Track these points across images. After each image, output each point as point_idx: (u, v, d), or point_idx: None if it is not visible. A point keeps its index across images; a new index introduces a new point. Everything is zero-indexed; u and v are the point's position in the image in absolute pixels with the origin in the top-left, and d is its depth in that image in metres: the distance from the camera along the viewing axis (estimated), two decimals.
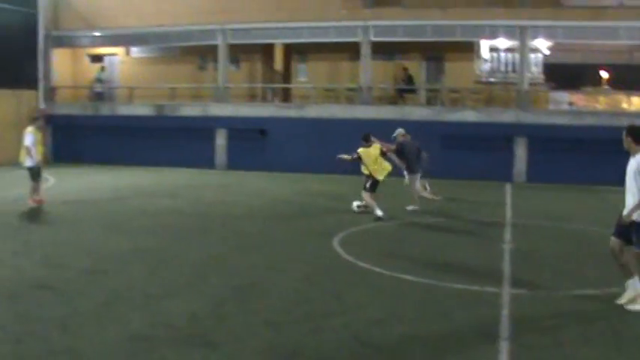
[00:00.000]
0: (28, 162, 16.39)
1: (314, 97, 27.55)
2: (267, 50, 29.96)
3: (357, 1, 27.12)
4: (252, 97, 30.14)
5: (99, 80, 30.90)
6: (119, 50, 31.97)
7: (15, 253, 11.75)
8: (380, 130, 24.76)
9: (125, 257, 11.42)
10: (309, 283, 9.91)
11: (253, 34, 27.87)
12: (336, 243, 12.70)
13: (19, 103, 28.49)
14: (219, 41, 28.09)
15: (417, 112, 25.64)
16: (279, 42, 29.50)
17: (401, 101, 27.16)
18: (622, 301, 8.79)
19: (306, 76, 29.59)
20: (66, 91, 31.52)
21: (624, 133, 8.77)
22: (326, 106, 26.93)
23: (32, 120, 17.21)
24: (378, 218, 15.58)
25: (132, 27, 29.37)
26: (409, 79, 27.13)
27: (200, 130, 27.41)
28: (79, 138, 29.05)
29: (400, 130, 18.01)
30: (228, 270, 10.73)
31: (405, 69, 27.18)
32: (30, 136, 16.31)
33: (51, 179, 22.47)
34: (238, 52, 29.15)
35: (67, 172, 24.85)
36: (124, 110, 29.22)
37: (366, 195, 16.28)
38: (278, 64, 30.62)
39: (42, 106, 29.72)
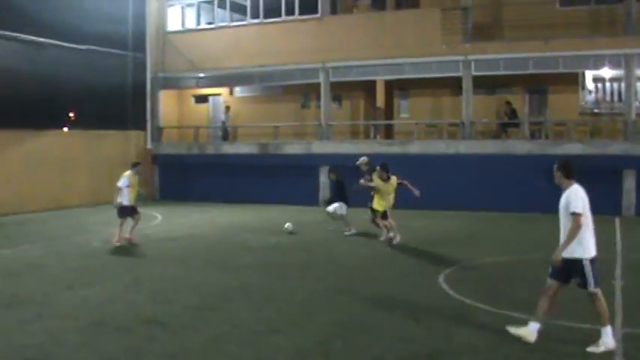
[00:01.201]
0: (120, 201, 17.97)
1: (416, 133, 28.32)
2: (368, 87, 31.09)
3: (457, 36, 27.69)
4: (354, 134, 31.30)
5: (223, 121, 32.54)
6: (223, 90, 33.87)
7: (126, 288, 12.65)
8: (482, 164, 25.68)
9: (231, 294, 12.04)
10: (416, 321, 10.06)
11: (355, 71, 29.05)
12: (442, 280, 12.93)
13: (127, 143, 31.10)
14: (321, 79, 29.40)
15: (520, 146, 26.07)
16: (380, 78, 30.49)
17: (504, 135, 27.53)
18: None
19: (407, 112, 30.47)
20: (172, 130, 33.75)
21: (555, 167, 8.96)
22: (428, 141, 27.70)
23: (133, 165, 18.57)
24: (390, 241, 17.21)
25: (236, 67, 31.17)
26: (512, 113, 27.53)
27: (303, 168, 28.53)
28: (184, 176, 30.88)
29: (364, 159, 19.05)
30: (333, 306, 11.11)
31: (508, 102, 27.66)
32: (126, 179, 17.82)
33: (158, 216, 24.23)
34: (340, 90, 30.46)
35: (173, 210, 26.53)
36: (229, 149, 30.90)
37: (384, 221, 17.79)
38: (380, 100, 31.54)
39: (149, 145, 32.09)
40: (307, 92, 31.74)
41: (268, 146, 30.26)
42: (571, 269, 8.76)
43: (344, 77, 29.49)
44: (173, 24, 33.75)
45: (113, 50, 30.83)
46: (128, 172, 18.18)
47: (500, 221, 23.31)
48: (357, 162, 19.14)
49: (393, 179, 17.66)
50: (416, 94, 30.42)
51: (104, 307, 11.23)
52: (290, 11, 30.42)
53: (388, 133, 30.99)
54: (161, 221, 23.44)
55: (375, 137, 30.25)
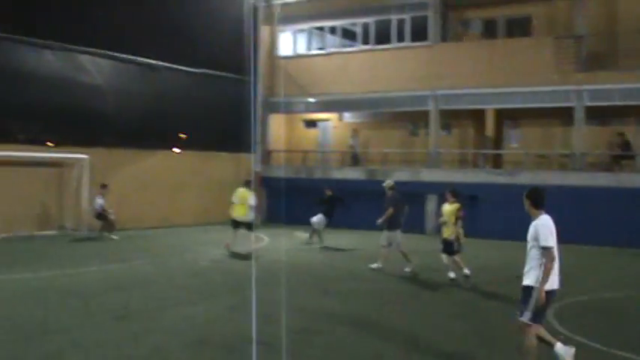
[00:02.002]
0: (249, 217, 21.17)
1: (525, 163, 28.33)
2: (478, 115, 31.12)
3: (569, 65, 27.72)
4: (463, 162, 31.46)
5: (352, 145, 32.97)
6: (332, 116, 34.90)
7: (231, 307, 13.25)
8: (593, 197, 25.50)
9: (336, 318, 12.41)
10: (521, 354, 9.62)
11: (464, 99, 29.54)
12: (550, 315, 12.38)
13: (237, 165, 32.04)
14: (430, 107, 30.04)
15: (635, 179, 25.83)
16: (490, 107, 30.53)
17: (617, 168, 27.20)
18: None
19: (517, 141, 30.53)
20: (281, 154, 34.64)
21: (524, 196, 9.10)
22: (538, 172, 27.47)
23: (246, 183, 22.01)
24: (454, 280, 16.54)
25: (345, 93, 32.12)
26: (625, 145, 27.18)
27: (411, 195, 27.24)
28: (292, 200, 30.84)
29: (389, 182, 19.08)
30: (439, 337, 11.31)
31: (621, 134, 27.28)
32: (253, 197, 21.27)
33: (265, 238, 24.93)
34: (449, 118, 30.79)
35: (280, 233, 26.86)
36: (337, 174, 31.58)
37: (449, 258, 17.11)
38: (489, 129, 31.47)
39: (258, 168, 33.20)
40: (416, 119, 32.16)
41: (376, 172, 30.68)
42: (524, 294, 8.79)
43: (453, 105, 29.98)
44: (284, 49, 35.07)
45: (225, 74, 32.22)
46: (242, 189, 21.14)
47: (611, 256, 23.12)
48: (383, 184, 19.19)
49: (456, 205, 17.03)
50: (526, 123, 30.42)
51: (209, 325, 11.87)
52: (400, 38, 31.24)
53: (497, 162, 31.03)
54: (268, 243, 24.19)
55: (483, 166, 30.39)
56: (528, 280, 8.75)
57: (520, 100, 28.69)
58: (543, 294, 8.55)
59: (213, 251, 21.59)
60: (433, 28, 30.64)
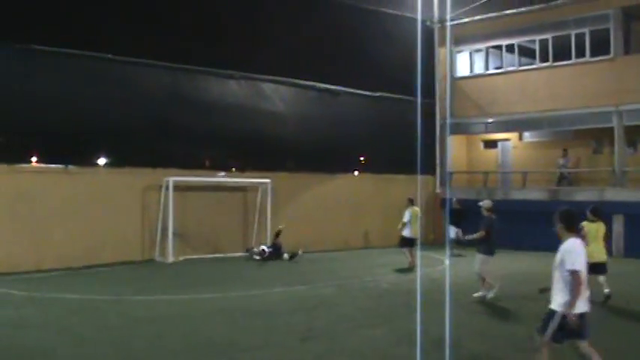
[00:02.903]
0: (405, 232, 23.29)
1: None
2: None
3: None
4: None
5: (562, 164, 31.71)
6: (512, 135, 34.51)
7: (412, 331, 12.35)
8: None
9: (520, 344, 11.97)
10: None
11: None
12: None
13: (416, 187, 30.89)
14: (614, 123, 29.07)
15: None
16: None
17: None
18: None
19: None
20: (461, 175, 35.01)
21: (556, 217, 8.73)
22: None
23: (409, 201, 23.97)
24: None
25: (524, 112, 31.67)
26: None
27: None
28: (470, 221, 32.60)
29: (487, 202, 17.76)
30: None
31: None
32: (407, 214, 23.27)
33: (446, 261, 24.96)
34: (635, 134, 29.76)
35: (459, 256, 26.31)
36: (517, 195, 31.23)
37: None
38: None
39: (438, 189, 33.57)
40: (600, 137, 31.30)
41: (559, 192, 30.17)
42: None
43: (639, 121, 28.77)
44: (461, 69, 35.13)
45: (403, 97, 31.91)
46: (410, 208, 23.35)
47: None
48: (480, 203, 18.07)
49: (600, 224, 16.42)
50: None
51: (391, 347, 12.01)
52: (581, 53, 30.47)
53: None
54: (447, 266, 24.17)
55: None
56: (554, 304, 8.66)
57: None
58: (573, 317, 8.43)
59: (394, 274, 22.06)
60: (615, 40, 29.63)
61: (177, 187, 25.35)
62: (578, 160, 32.59)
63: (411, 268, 22.83)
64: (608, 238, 16.96)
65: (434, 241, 31.75)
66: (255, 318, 14.57)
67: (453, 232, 24.45)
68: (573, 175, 32.30)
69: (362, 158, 32.85)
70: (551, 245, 20.20)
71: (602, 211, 16.77)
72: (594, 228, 16.17)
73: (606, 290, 16.39)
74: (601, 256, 16.19)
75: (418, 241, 23.40)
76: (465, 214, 26.15)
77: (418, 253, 23.39)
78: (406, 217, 23.41)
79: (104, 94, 24.52)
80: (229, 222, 27.12)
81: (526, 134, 34.81)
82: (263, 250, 25.88)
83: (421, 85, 30.53)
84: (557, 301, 8.60)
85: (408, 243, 23.47)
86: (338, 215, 30.46)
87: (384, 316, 15.11)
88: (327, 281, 20.35)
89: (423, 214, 29.64)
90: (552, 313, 8.63)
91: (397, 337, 12.81)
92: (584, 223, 15.88)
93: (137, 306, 16.15)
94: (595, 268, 15.40)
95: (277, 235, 26.45)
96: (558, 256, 8.66)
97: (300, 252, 26.04)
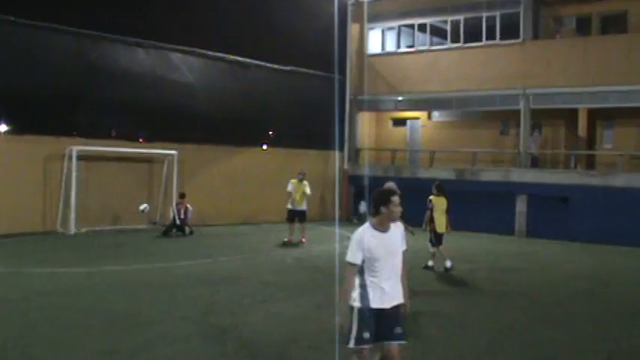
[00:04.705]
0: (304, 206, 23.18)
1: (620, 165, 27.68)
2: (570, 115, 30.64)
3: None
4: (554, 163, 31.19)
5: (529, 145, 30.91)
6: (421, 114, 34.85)
7: (318, 306, 13.42)
8: None
9: (423, 320, 12.22)
10: None
11: (557, 98, 28.97)
12: None
13: (325, 163, 33.21)
14: (521, 106, 29.69)
15: None
16: (583, 107, 29.95)
17: None
18: None
19: (611, 142, 29.97)
20: (369, 152, 34.87)
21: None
22: (634, 174, 26.92)
23: (297, 175, 23.24)
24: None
25: (434, 91, 32.16)
26: None
27: (500, 196, 28.73)
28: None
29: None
30: (527, 341, 11.25)
31: None
32: (290, 185, 23.00)
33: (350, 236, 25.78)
34: (540, 117, 30.45)
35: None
36: (425, 173, 31.01)
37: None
38: (581, 129, 30.98)
39: (345, 166, 33.73)
40: (506, 119, 31.94)
41: (465, 172, 30.74)
42: None
43: (545, 105, 29.53)
44: (373, 47, 35.33)
45: (314, 72, 32.79)
46: (293, 180, 23.00)
47: None
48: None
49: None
50: (621, 123, 29.75)
51: (296, 323, 12.04)
52: (491, 36, 31.00)
53: (589, 163, 30.52)
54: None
55: (575, 167, 29.90)
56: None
57: (615, 100, 28.01)
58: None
59: (300, 249, 22.17)
60: (525, 25, 30.22)
61: (81, 157, 25.06)
62: (431, 141, 34.15)
63: (301, 243, 23.15)
64: (449, 211, 18.68)
65: (342, 217, 31.87)
66: (158, 292, 14.56)
67: (364, 205, 24.72)
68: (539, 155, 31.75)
69: (271, 132, 32.96)
70: (456, 224, 20.35)
71: (444, 188, 18.73)
72: (440, 202, 18.34)
73: (447, 263, 18.23)
74: (441, 228, 18.36)
75: (305, 213, 23.55)
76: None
77: (327, 229, 23.66)
78: (289, 187, 23.35)
79: (5, 57, 24.03)
80: (134, 194, 26.67)
81: (435, 114, 35.21)
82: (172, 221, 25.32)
83: (333, 61, 30.93)
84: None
85: (290, 215, 23.46)
86: (246, 189, 30.41)
87: (288, 291, 15.20)
88: (231, 256, 20.34)
89: (331, 188, 31.56)
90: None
91: (302, 313, 12.98)
92: (432, 197, 18.36)
93: (37, 278, 15.94)
94: (439, 238, 18.43)
95: (182, 196, 25.73)
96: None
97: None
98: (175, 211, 25.23)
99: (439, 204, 18.36)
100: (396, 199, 7.36)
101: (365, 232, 7.45)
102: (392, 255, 7.47)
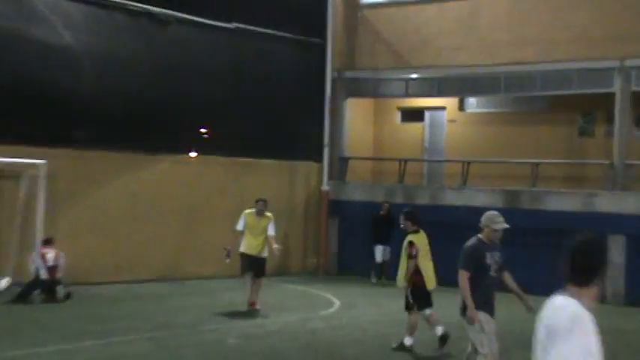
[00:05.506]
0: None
1: None
2: None
3: None
4: None
5: None
6: (448, 102, 32.22)
7: None
8: None
9: None
10: None
11: None
12: None
13: (291, 180, 30.91)
14: (615, 87, 26.89)
15: None
16: None
17: None
18: None
19: None
20: (363, 163, 32.63)
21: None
22: None
23: (256, 201, 22.29)
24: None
25: (470, 65, 29.53)
26: None
27: (575, 235, 26.07)
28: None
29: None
30: None
31: None
32: (242, 221, 21.98)
33: (335, 302, 24.19)
34: None
35: (359, 291, 26.36)
36: (453, 198, 28.99)
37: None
38: None
39: (325, 186, 31.15)
40: (590, 109, 29.48)
41: (521, 197, 28.08)
42: None
43: None
44: None
45: (274, 32, 29.91)
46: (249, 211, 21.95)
47: None
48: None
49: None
50: None
51: None
52: None
53: None
54: (337, 310, 23.18)
55: None
56: None
57: None
58: None
59: (250, 320, 21.13)
60: None
61: None
62: (464, 146, 31.89)
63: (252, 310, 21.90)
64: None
65: (318, 268, 30.87)
66: None
67: (379, 253, 25.56)
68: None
69: (204, 131, 29.78)
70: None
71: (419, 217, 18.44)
72: (422, 241, 17.89)
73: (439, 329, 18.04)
74: (432, 281, 17.90)
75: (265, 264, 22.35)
76: (393, 223, 24.07)
77: (292, 287, 24.07)
78: (240, 224, 22.17)
79: None
80: None
81: (471, 101, 32.52)
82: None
83: (304, 14, 27.91)
84: None
85: (245, 264, 21.97)
86: (160, 222, 27.82)
87: None
88: (136, 332, 18.83)
89: (301, 222, 31.30)
90: None
91: None
92: (411, 237, 17.79)
93: None
94: (428, 298, 17.87)
95: (47, 242, 23.32)
96: None
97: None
98: (39, 261, 22.80)
99: (422, 244, 17.66)
100: None
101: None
102: None
